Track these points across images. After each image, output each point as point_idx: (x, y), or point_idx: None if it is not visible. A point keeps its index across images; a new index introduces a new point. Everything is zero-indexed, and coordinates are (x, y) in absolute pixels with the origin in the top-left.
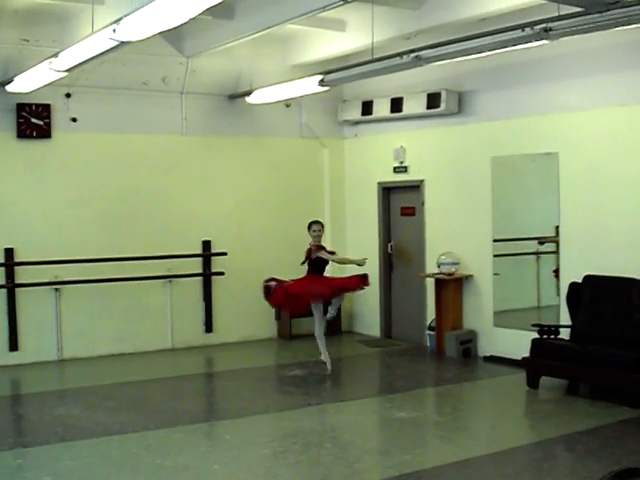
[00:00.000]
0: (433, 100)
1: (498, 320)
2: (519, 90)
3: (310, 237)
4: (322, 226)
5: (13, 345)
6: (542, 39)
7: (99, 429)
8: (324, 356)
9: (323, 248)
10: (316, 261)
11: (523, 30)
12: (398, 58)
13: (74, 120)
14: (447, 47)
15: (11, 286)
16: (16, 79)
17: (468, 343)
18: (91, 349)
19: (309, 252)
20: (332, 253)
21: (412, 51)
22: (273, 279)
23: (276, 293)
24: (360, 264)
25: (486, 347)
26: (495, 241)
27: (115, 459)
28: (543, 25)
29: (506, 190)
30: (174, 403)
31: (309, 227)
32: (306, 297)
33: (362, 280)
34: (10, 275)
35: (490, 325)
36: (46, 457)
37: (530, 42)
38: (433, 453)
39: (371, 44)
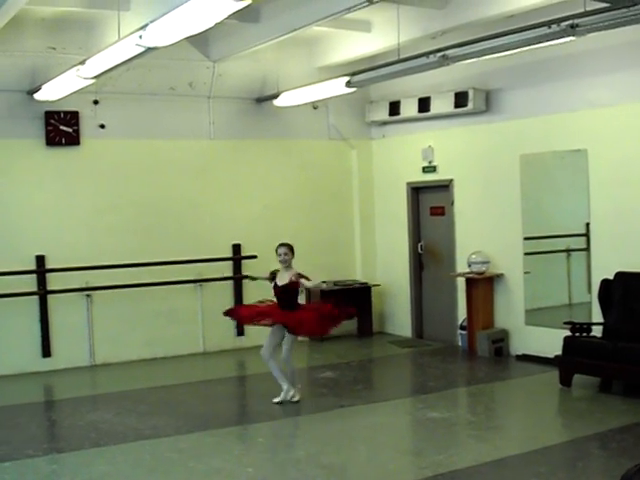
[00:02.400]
0: (460, 99)
1: (530, 318)
2: (547, 87)
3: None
4: (290, 249)
5: (46, 351)
6: (569, 36)
7: (132, 434)
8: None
9: (300, 276)
10: (285, 291)
11: (549, 27)
12: (424, 58)
13: (102, 127)
14: (473, 46)
15: (43, 293)
16: (44, 87)
17: (500, 342)
18: (123, 354)
19: (290, 284)
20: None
21: (438, 50)
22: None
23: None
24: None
25: (518, 346)
26: (525, 239)
27: (148, 463)
28: (569, 22)
29: (535, 188)
30: (206, 407)
31: (276, 250)
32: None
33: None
34: (42, 282)
35: (522, 323)
36: (80, 462)
37: (557, 39)
38: (467, 453)
39: (397, 44)
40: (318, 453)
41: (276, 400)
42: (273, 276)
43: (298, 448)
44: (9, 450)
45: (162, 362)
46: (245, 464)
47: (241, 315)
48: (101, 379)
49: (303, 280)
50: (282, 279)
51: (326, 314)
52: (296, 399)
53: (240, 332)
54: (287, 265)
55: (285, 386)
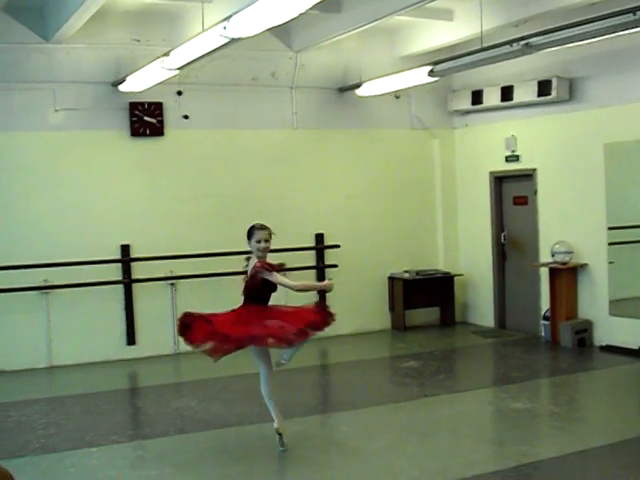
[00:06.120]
0: (544, 88)
1: (614, 309)
2: (631, 75)
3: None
4: (270, 233)
5: (131, 339)
6: None
7: (217, 421)
8: (278, 423)
9: (273, 268)
10: (256, 286)
11: (634, 14)
12: (507, 46)
13: (186, 117)
14: (557, 34)
15: (128, 281)
16: (128, 79)
17: (583, 333)
18: None
19: (253, 275)
20: (282, 271)
21: (521, 39)
22: (189, 315)
23: (197, 328)
24: (328, 290)
25: (602, 336)
26: (609, 229)
27: (233, 450)
28: None
29: (619, 177)
30: (289, 395)
31: (249, 235)
32: (240, 341)
33: (327, 316)
34: (127, 271)
35: (606, 314)
36: (166, 449)
37: None
38: (550, 444)
39: (480, 33)
40: (401, 442)
41: (275, 425)
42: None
43: (381, 437)
44: (96, 436)
45: (246, 351)
46: (329, 452)
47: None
48: (185, 367)
49: (275, 274)
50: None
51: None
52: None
53: None
54: (264, 255)
55: (277, 423)
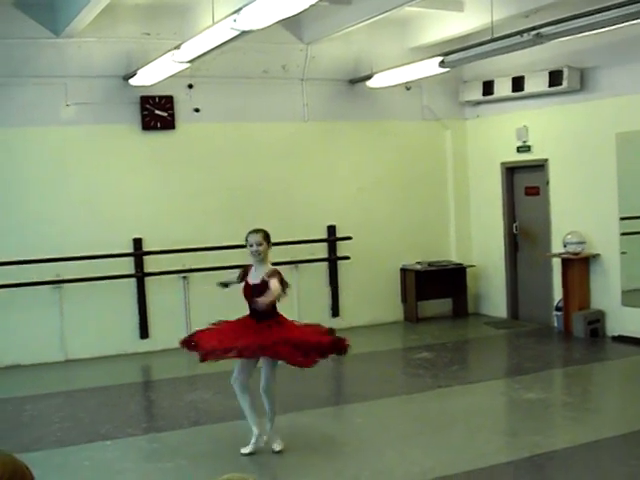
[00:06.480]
0: (555, 78)
1: (626, 299)
2: None
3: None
4: (265, 237)
5: (144, 333)
6: None
7: (230, 413)
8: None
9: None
10: (257, 293)
11: None
12: (518, 36)
13: (197, 110)
14: (567, 23)
15: (140, 275)
16: (139, 72)
17: (596, 323)
18: None
19: (248, 285)
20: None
21: (532, 29)
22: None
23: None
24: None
25: (614, 327)
26: (622, 219)
27: (247, 442)
28: None
29: (632, 166)
30: (302, 387)
31: (246, 239)
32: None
33: (335, 343)
34: (139, 264)
35: (618, 304)
36: (180, 441)
37: None
38: (564, 434)
39: (490, 23)
40: (415, 433)
41: (245, 451)
42: (244, 274)
43: (395, 428)
44: (111, 429)
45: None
46: (342, 444)
47: (204, 349)
48: (198, 360)
49: (272, 283)
50: (255, 276)
51: (313, 345)
52: (278, 448)
53: (335, 313)
54: (260, 259)
55: (257, 431)
